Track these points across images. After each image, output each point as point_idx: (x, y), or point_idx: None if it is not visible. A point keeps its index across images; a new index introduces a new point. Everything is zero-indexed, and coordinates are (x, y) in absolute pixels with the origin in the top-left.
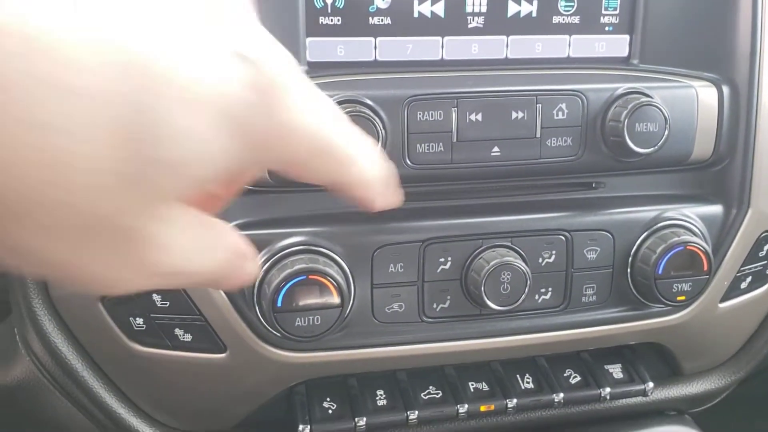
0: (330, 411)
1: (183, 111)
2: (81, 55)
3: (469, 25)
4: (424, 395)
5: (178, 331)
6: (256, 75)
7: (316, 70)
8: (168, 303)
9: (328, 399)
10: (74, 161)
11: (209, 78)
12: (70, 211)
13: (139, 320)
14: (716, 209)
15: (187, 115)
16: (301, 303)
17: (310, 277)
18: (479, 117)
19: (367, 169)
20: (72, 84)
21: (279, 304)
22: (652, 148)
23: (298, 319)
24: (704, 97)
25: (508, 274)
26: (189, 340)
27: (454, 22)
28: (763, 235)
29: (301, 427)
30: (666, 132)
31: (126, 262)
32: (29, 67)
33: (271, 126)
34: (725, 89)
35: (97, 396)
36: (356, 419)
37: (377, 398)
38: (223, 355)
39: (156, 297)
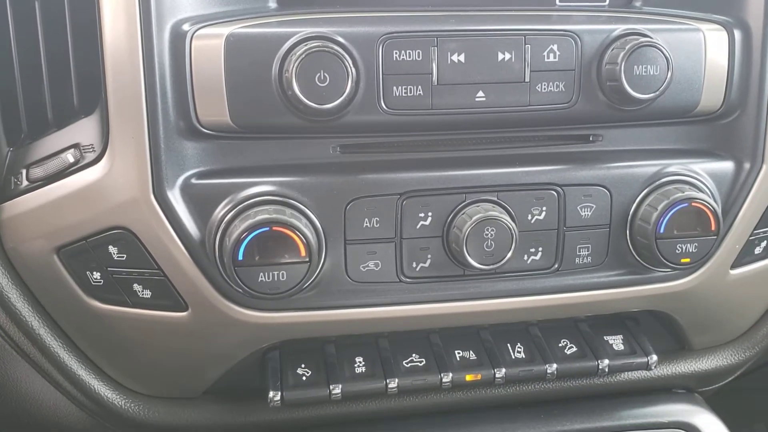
0: (304, 377)
1: None
2: None
3: None
4: (407, 363)
5: (136, 287)
6: None
7: (285, 7)
8: (125, 256)
9: (303, 365)
10: None
11: None
12: None
13: (96, 274)
14: (726, 165)
15: None
16: (265, 257)
17: (274, 228)
18: (461, 58)
19: None
20: None
21: (240, 257)
22: (652, 94)
23: (261, 274)
24: (713, 41)
25: (492, 230)
26: (148, 296)
27: None
28: None
29: (271, 393)
30: (668, 75)
31: None
32: None
33: None
34: (737, 33)
35: (56, 356)
36: (331, 386)
37: (356, 365)
38: (185, 313)
39: (112, 249)
